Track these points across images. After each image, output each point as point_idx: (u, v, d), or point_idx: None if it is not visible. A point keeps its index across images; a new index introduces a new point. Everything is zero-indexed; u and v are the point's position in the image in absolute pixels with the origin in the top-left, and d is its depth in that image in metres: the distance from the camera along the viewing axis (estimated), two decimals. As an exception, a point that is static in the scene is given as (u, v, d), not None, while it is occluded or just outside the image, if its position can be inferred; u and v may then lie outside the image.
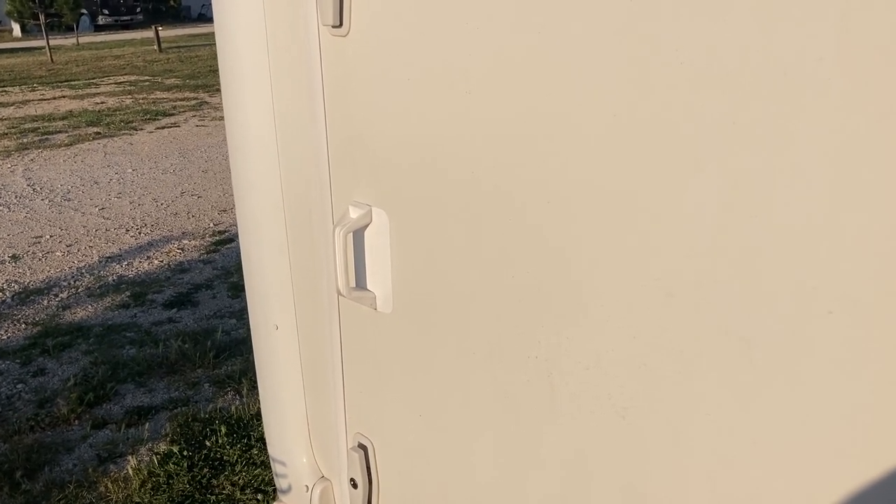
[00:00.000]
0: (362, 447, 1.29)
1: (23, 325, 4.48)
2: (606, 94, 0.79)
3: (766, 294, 0.73)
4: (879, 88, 0.62)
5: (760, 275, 0.73)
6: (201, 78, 15.41)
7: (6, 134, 10.37)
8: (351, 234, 1.11)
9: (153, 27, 23.07)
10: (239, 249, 1.38)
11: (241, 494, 2.79)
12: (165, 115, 11.47)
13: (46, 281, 5.18)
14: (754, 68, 0.68)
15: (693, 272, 0.77)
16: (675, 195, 0.77)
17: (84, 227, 6.34)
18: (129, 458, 3.08)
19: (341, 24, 1.04)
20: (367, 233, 1.13)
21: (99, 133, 10.27)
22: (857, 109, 0.64)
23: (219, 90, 1.28)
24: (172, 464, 2.95)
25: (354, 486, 1.32)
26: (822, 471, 0.74)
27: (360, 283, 1.16)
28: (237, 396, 3.53)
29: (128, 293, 4.90)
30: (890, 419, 0.68)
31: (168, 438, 3.21)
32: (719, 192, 0.73)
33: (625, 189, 0.81)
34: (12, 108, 12.65)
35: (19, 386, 3.75)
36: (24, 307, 4.75)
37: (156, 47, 21.72)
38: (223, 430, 3.14)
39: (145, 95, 13.51)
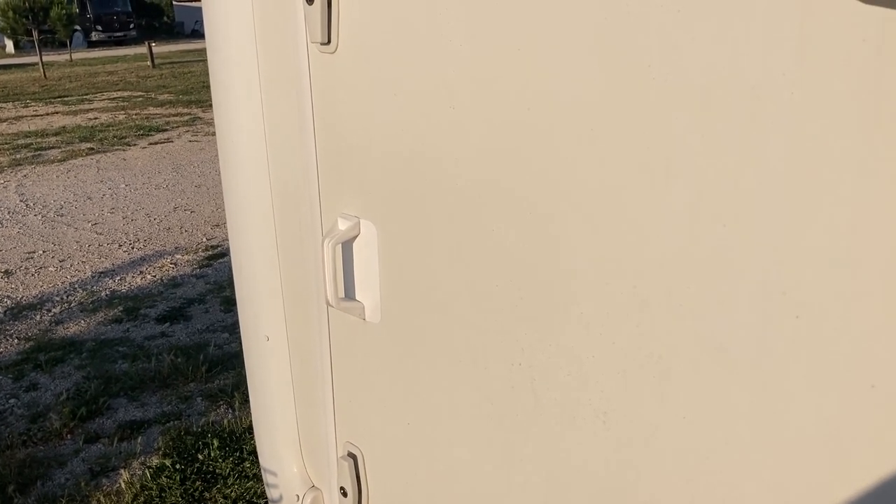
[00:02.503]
0: (352, 456, 1.31)
1: (15, 341, 4.48)
2: (583, 109, 0.82)
3: (736, 300, 0.76)
4: (837, 100, 0.65)
5: (730, 282, 0.76)
6: (194, 93, 15.45)
7: (-1, 150, 10.38)
8: (339, 245, 1.13)
9: (146, 43, 23.11)
10: (231, 264, 1.40)
11: (233, 507, 2.80)
12: (158, 130, 11.49)
13: (39, 296, 5.18)
14: (721, 83, 0.71)
15: (667, 280, 0.80)
16: (649, 206, 0.80)
17: (77, 242, 6.35)
18: (122, 471, 3.09)
19: (329, 42, 1.07)
20: (355, 244, 1.15)
21: (92, 149, 10.29)
22: (818, 119, 0.67)
23: (211, 106, 1.31)
24: (165, 477, 2.95)
25: (344, 494, 1.33)
26: (794, 472, 0.77)
27: (349, 294, 1.18)
28: (229, 410, 3.54)
29: (120, 308, 4.91)
30: (854, 420, 0.71)
31: (160, 452, 3.22)
32: (690, 203, 0.76)
33: (602, 200, 0.84)
34: (5, 123, 12.67)
35: (12, 401, 3.75)
36: (16, 322, 4.75)
37: (149, 63, 21.76)
38: (215, 443, 3.14)
39: (138, 111, 13.54)
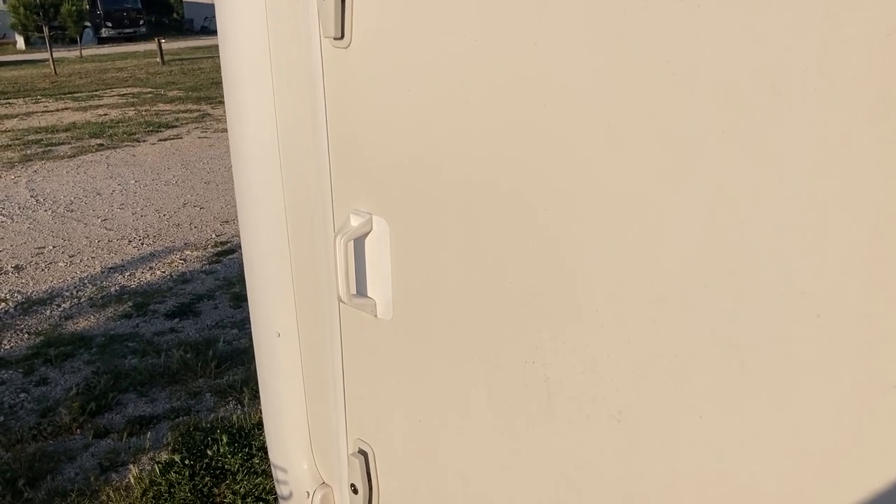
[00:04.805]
0: (363, 453, 1.30)
1: (25, 335, 4.50)
2: (600, 105, 0.82)
3: (754, 299, 0.75)
4: (861, 96, 0.64)
5: (749, 280, 0.75)
6: (204, 90, 15.48)
7: (10, 145, 10.43)
8: (352, 241, 1.13)
9: (156, 40, 23.18)
10: (241, 260, 1.40)
11: (242, 503, 2.80)
12: (168, 126, 11.52)
13: (49, 291, 5.20)
14: (742, 79, 0.70)
15: (684, 277, 0.79)
16: (666, 202, 0.79)
17: (87, 237, 6.37)
18: (131, 466, 3.10)
19: (342, 36, 1.06)
20: (367, 241, 1.15)
21: (102, 144, 10.32)
22: (841, 116, 0.66)
23: (221, 102, 1.31)
24: (174, 473, 2.96)
25: (355, 491, 1.33)
26: (811, 472, 0.76)
27: (361, 291, 1.17)
28: (239, 406, 3.55)
29: (130, 303, 4.92)
30: (875, 421, 0.70)
31: (170, 447, 3.22)
32: (709, 199, 0.75)
33: (619, 196, 0.83)
34: (16, 119, 12.72)
35: (22, 395, 3.77)
36: (26, 317, 4.77)
37: (159, 59, 21.82)
38: (224, 439, 3.15)
39: (148, 107, 13.58)
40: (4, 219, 6.97)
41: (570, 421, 0.96)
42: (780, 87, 0.68)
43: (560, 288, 0.92)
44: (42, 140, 10.74)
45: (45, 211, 7.22)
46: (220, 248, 5.98)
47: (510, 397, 1.02)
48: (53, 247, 6.15)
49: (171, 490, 2.88)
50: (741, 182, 0.73)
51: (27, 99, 15.37)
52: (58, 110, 13.60)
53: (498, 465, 1.08)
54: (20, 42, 31.78)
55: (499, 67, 0.90)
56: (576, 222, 0.88)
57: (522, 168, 0.91)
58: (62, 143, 10.47)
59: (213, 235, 6.34)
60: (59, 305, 4.95)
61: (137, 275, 5.48)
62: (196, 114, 12.58)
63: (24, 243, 6.25)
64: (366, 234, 1.14)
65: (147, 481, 2.94)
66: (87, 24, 31.43)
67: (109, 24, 34.14)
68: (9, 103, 14.81)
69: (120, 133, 11.08)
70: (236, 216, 1.36)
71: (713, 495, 0.84)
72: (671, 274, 0.80)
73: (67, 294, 5.14)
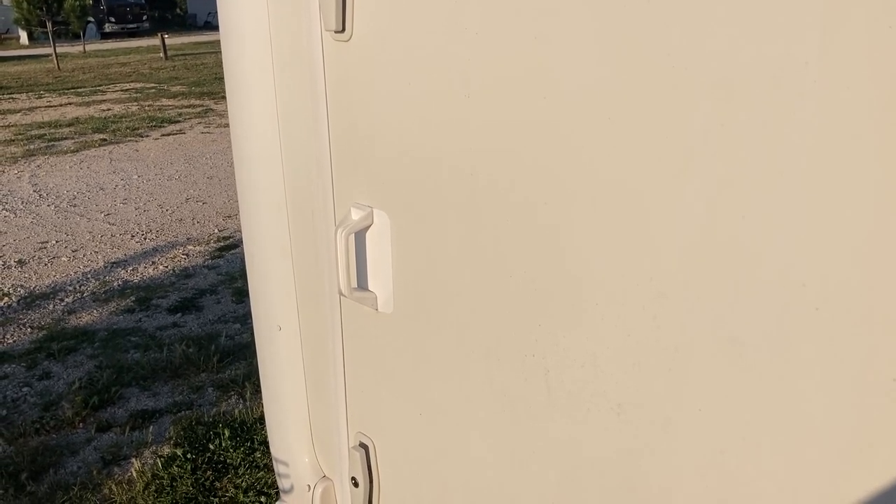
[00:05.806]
0: (363, 446, 1.31)
1: (28, 330, 4.51)
2: (601, 98, 0.81)
3: (754, 293, 0.75)
4: (861, 89, 0.64)
5: (749, 274, 0.75)
6: (207, 85, 15.47)
7: (13, 140, 10.43)
8: (352, 235, 1.13)
9: (159, 35, 23.16)
10: (243, 255, 1.40)
11: (244, 497, 2.81)
12: (171, 121, 11.53)
13: (52, 286, 5.21)
14: (742, 72, 0.70)
15: (684, 272, 0.79)
16: (667, 196, 0.79)
17: (90, 232, 6.38)
18: (133, 460, 3.10)
19: (343, 30, 1.06)
20: (368, 234, 1.15)
21: (105, 139, 10.33)
22: (841, 110, 0.66)
23: (224, 97, 1.31)
24: (176, 467, 2.97)
25: (356, 485, 1.33)
26: (811, 466, 0.76)
27: (362, 284, 1.18)
28: (241, 400, 3.56)
29: (133, 298, 4.93)
30: (874, 414, 0.70)
31: (172, 442, 3.23)
32: (709, 193, 0.75)
33: (619, 190, 0.83)
34: (19, 114, 12.73)
35: (25, 389, 3.78)
36: (29, 311, 4.78)
37: (162, 55, 21.81)
38: (227, 433, 3.16)
39: (151, 102, 13.58)
40: (8, 213, 6.98)
41: (571, 414, 0.96)
42: (781, 80, 0.68)
43: (561, 282, 0.92)
44: (45, 135, 10.75)
45: (48, 206, 7.23)
46: (222, 243, 5.99)
47: (510, 391, 1.03)
48: (56, 241, 6.16)
49: (174, 484, 2.88)
50: (741, 175, 0.73)
51: (30, 94, 15.38)
52: (61, 105, 13.61)
53: (498, 458, 1.08)
54: (23, 37, 31.78)
55: (499, 61, 0.90)
56: (576, 216, 0.88)
57: (523, 161, 0.91)
58: (65, 138, 10.47)
59: (216, 230, 6.35)
60: (61, 300, 4.96)
61: (140, 269, 5.49)
62: (199, 109, 12.59)
63: (27, 238, 6.26)
64: (367, 228, 1.14)
65: (149, 475, 2.95)
66: (91, 19, 31.41)
67: (112, 20, 34.13)
68: (12, 98, 14.82)
69: (123, 128, 11.08)
70: (238, 211, 1.37)
71: (712, 488, 0.84)
72: (671, 268, 0.80)
73: (70, 288, 5.15)
